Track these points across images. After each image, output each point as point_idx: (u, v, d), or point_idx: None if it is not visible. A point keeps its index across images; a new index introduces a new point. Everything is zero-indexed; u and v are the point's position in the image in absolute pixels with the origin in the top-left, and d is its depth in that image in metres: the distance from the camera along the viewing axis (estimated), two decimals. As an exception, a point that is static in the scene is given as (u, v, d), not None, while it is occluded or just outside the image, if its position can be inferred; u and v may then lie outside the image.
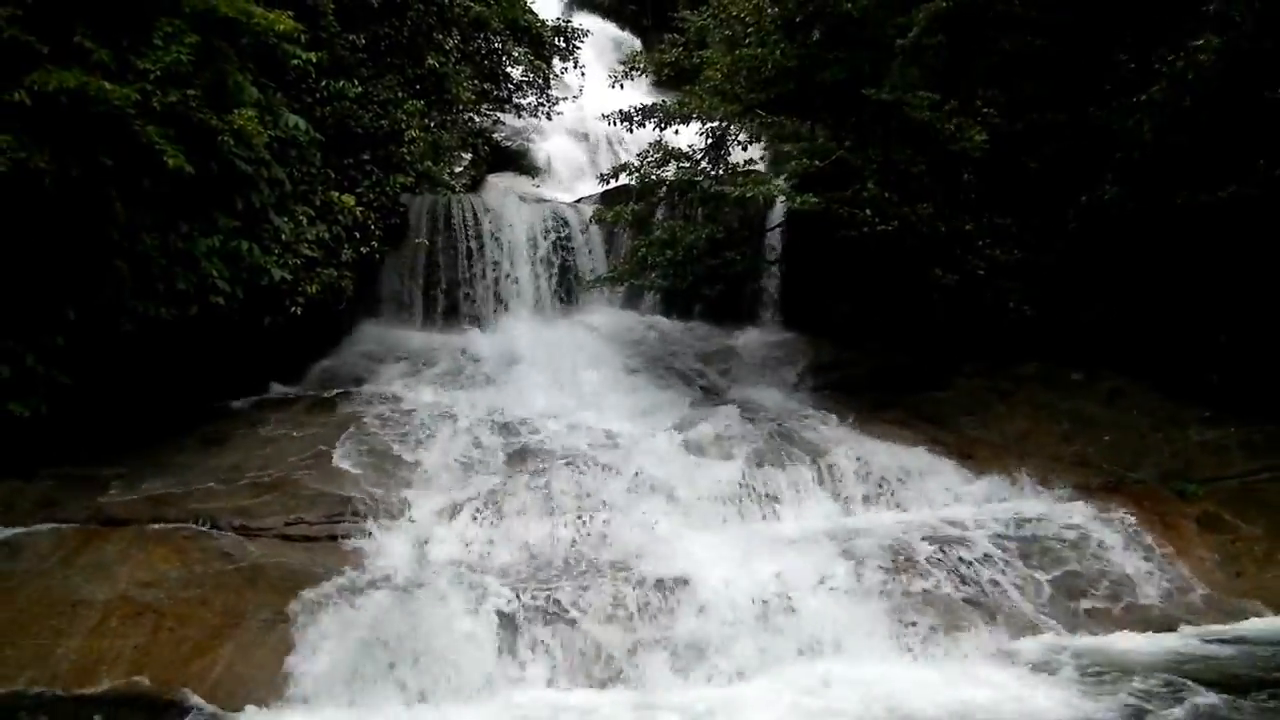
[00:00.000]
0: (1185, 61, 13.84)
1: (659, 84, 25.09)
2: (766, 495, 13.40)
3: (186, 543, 11.42)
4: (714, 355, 17.97)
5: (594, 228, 19.17)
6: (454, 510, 12.52)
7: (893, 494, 13.63)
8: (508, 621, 10.48)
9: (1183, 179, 14.15)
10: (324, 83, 16.17)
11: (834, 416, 15.35)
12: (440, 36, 19.76)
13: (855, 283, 17.27)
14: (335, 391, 15.90)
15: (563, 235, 19.51)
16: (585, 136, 27.34)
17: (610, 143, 26.77)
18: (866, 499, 13.56)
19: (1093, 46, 15.73)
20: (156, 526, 11.68)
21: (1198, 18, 13.98)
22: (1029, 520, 12.78)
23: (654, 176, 17.33)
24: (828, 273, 17.70)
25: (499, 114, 25.88)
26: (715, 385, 17.05)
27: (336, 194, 16.11)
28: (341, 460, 13.41)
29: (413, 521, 12.27)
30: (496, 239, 19.06)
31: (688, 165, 17.39)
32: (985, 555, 12.04)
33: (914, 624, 10.92)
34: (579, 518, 12.47)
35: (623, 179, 17.97)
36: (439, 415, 14.82)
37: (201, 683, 9.73)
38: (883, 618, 10.96)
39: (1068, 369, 16.10)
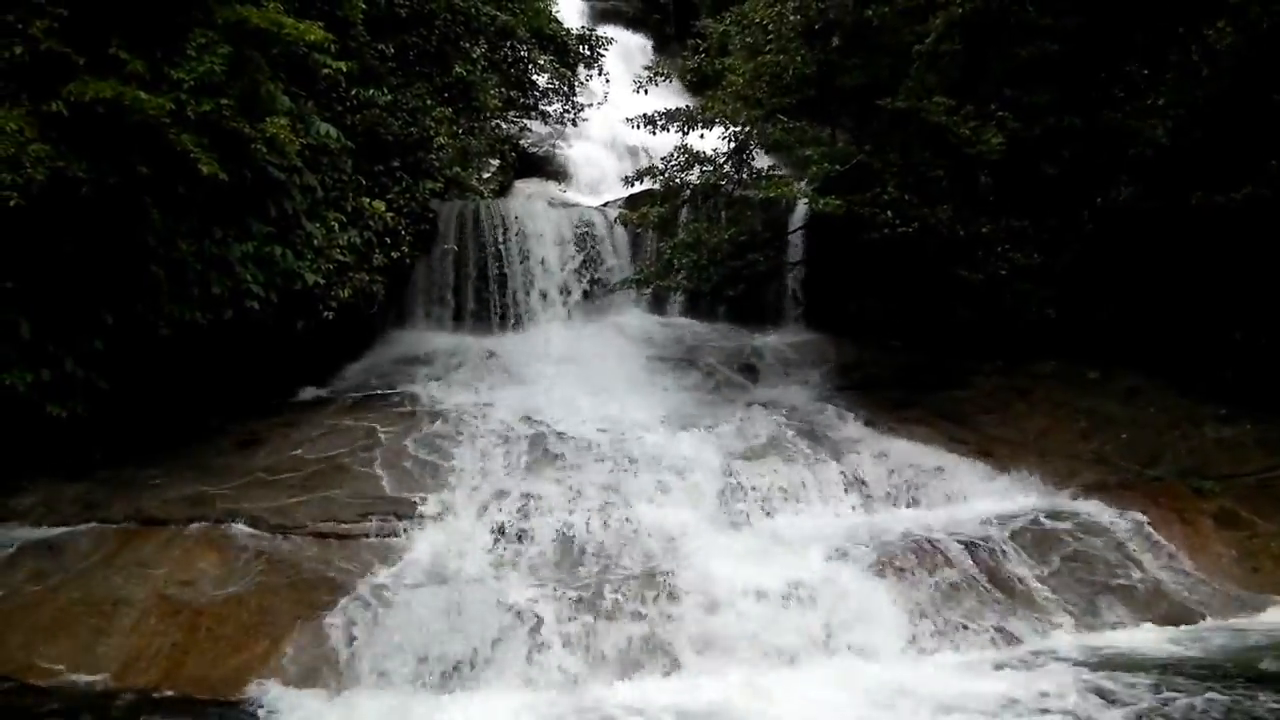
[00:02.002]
0: (1199, 53, 13.98)
1: (687, 89, 25.24)
2: (791, 492, 13.52)
3: (223, 542, 11.61)
4: (739, 356, 18.05)
5: (620, 231, 19.37)
6: (484, 509, 12.62)
7: (914, 492, 13.74)
8: (537, 617, 10.63)
9: (1197, 180, 14.17)
10: (354, 91, 16.30)
11: (856, 415, 15.46)
12: (467, 45, 19.86)
13: (876, 284, 17.42)
14: (367, 393, 16.04)
15: (589, 239, 19.70)
16: (611, 142, 27.45)
17: (630, 149, 26.86)
18: (889, 497, 13.69)
19: (1106, 52, 15.78)
20: (194, 527, 11.85)
21: (1213, 14, 14.06)
22: (1048, 517, 12.85)
23: (678, 180, 17.51)
24: (849, 274, 17.84)
25: (525, 121, 26.02)
26: (740, 385, 17.13)
27: (367, 200, 16.22)
28: (374, 460, 13.54)
29: (443, 520, 12.38)
30: (524, 243, 19.24)
31: (711, 169, 17.46)
32: (1005, 552, 12.15)
33: (934, 619, 11.07)
34: (606, 515, 12.55)
35: (648, 183, 18.15)
36: (470, 416, 14.89)
37: (238, 679, 9.91)
38: (904, 613, 11.09)
39: (1085, 368, 16.13)
